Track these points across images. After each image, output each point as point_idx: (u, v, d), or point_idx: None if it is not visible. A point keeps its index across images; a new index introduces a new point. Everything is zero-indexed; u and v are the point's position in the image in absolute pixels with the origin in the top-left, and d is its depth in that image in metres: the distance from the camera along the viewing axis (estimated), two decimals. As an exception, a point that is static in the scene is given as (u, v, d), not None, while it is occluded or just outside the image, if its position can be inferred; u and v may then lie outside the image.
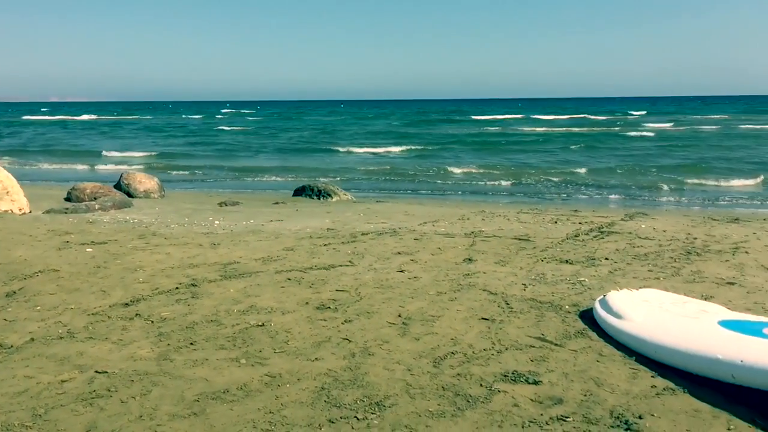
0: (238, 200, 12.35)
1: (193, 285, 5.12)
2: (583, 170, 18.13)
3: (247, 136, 36.88)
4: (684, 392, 3.09)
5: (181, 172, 19.81)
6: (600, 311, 4.09)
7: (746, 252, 6.14)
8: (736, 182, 15.39)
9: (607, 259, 5.92)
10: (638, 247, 6.45)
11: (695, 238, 6.89)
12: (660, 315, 3.85)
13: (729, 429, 2.74)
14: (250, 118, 64.59)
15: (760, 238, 6.91)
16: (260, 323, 4.19)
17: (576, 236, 7.09)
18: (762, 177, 15.87)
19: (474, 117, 57.93)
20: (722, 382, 3.07)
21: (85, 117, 69.30)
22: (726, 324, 3.54)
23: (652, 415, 2.87)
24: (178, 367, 3.49)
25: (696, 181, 15.84)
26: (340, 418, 2.89)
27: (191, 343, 3.84)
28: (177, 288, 5.05)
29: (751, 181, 15.39)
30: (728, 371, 3.02)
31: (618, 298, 4.15)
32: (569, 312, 4.37)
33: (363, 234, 7.40)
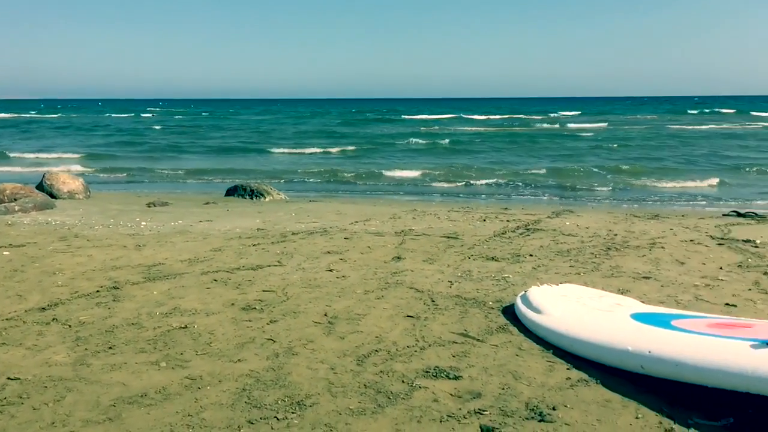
0: (168, 201, 12.09)
1: (114, 288, 5.00)
2: (516, 169, 18.52)
3: (178, 136, 36.09)
4: (597, 383, 3.21)
5: (108, 174, 19.23)
6: (521, 307, 4.21)
7: (662, 247, 6.41)
8: (661, 181, 16.01)
9: (531, 255, 6.08)
10: (561, 243, 6.65)
11: (615, 235, 7.15)
12: (577, 309, 3.98)
13: (637, 417, 2.86)
14: (182, 117, 63.25)
15: (676, 234, 7.22)
16: (183, 325, 4.13)
17: (503, 234, 7.25)
18: (685, 175, 16.55)
19: (408, 116, 58.30)
20: (633, 373, 3.21)
21: (2, 115, 66.27)
22: (637, 317, 3.69)
23: (566, 406, 2.97)
24: (95, 372, 3.40)
25: (623, 179, 16.39)
26: (260, 418, 2.88)
27: (110, 348, 3.75)
28: (98, 291, 4.92)
29: (675, 181, 16.00)
30: (637, 362, 3.15)
31: (538, 293, 4.27)
32: (492, 308, 4.47)
33: (293, 234, 7.38)
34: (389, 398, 3.07)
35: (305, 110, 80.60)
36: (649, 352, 3.12)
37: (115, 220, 8.81)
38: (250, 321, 4.23)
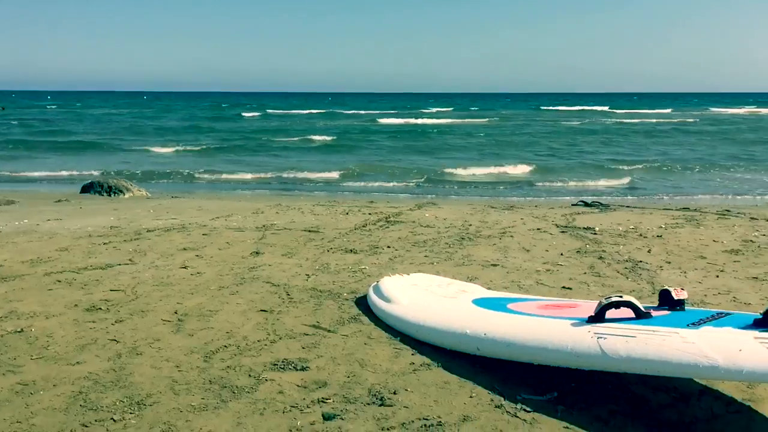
0: (15, 199, 11.29)
1: (-59, 293, 4.64)
2: (389, 163, 18.84)
3: (31, 128, 33.77)
4: (438, 367, 3.36)
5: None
6: (372, 297, 4.32)
7: (511, 236, 6.78)
8: (515, 169, 16.92)
9: (389, 247, 6.24)
10: (419, 234, 6.88)
11: (470, 225, 7.48)
12: (424, 297, 4.14)
13: (471, 396, 3.02)
14: (36, 110, 59.18)
15: (525, 223, 7.66)
16: (18, 329, 3.90)
17: (364, 226, 7.39)
18: (550, 166, 17.62)
19: (279, 111, 57.82)
20: (471, 355, 3.39)
21: None
22: (478, 302, 3.89)
23: (406, 389, 3.09)
24: None
25: (485, 170, 17.15)
26: (95, 421, 2.79)
27: (-69, 357, 3.49)
28: None
29: (544, 172, 16.93)
30: (474, 344, 3.33)
31: (389, 283, 4.39)
32: (347, 299, 4.55)
33: (149, 231, 7.13)
34: (234, 393, 3.07)
35: (175, 103, 77.61)
36: (485, 334, 3.30)
37: (-51, 221, 8.13)
38: (94, 322, 4.07)
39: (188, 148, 24.38)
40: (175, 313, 4.25)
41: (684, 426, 2.73)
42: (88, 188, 13.02)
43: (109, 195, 12.53)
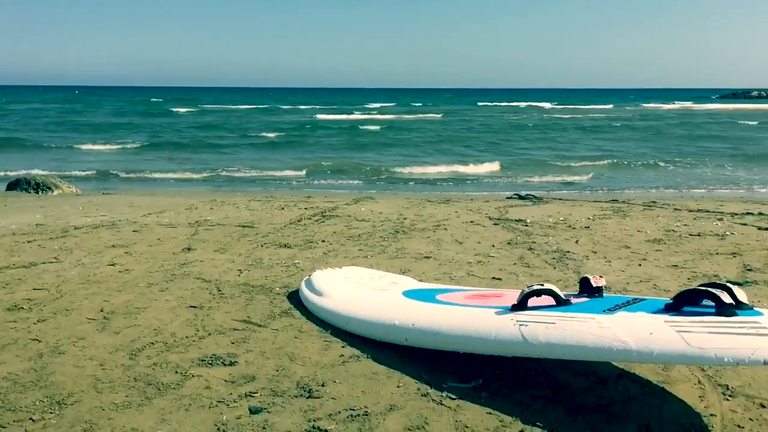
0: (-68, 197, 10.82)
1: None
2: (324, 162, 18.77)
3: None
4: (367, 358, 3.39)
5: None
6: (304, 290, 4.32)
7: (445, 229, 6.88)
8: (455, 164, 17.13)
9: (323, 241, 6.25)
10: (354, 228, 6.90)
11: (405, 219, 7.55)
12: (355, 290, 4.17)
13: (398, 386, 3.07)
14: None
15: (459, 216, 7.78)
16: (-67, 332, 3.76)
17: (299, 221, 7.37)
18: (488, 161, 17.88)
19: (214, 106, 56.92)
20: (401, 346, 3.43)
21: None
22: (408, 293, 3.94)
23: (335, 381, 3.12)
24: None
25: (424, 167, 17.29)
26: (13, 422, 2.71)
27: None
28: None
29: (482, 166, 17.17)
30: (402, 335, 3.38)
31: (321, 276, 4.40)
32: (279, 294, 4.54)
33: (76, 228, 6.94)
34: (159, 389, 3.03)
35: (108, 100, 75.31)
36: (413, 324, 3.35)
37: None
38: (15, 322, 3.94)
39: (119, 144, 23.74)
40: (101, 311, 4.16)
41: (601, 408, 2.83)
42: (14, 185, 12.55)
43: (37, 192, 12.11)
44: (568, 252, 5.76)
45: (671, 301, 2.78)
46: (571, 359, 2.85)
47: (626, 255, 5.67)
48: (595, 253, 5.75)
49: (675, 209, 8.40)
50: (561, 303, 3.08)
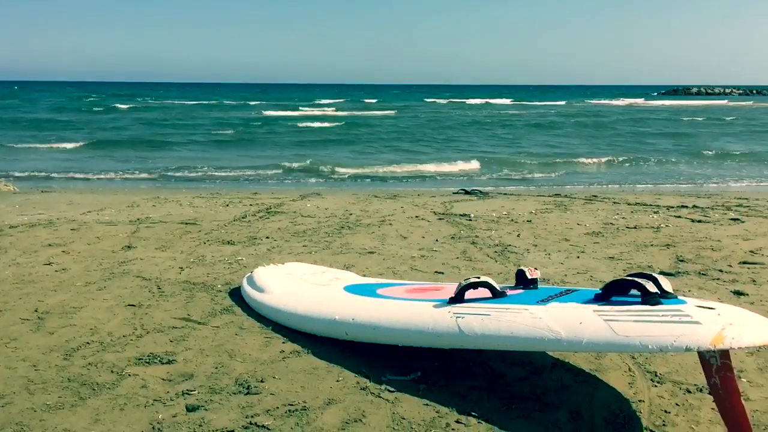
0: None
1: None
2: (273, 159, 18.60)
3: None
4: (308, 353, 3.40)
5: None
6: (246, 287, 4.29)
7: (390, 224, 6.91)
8: (404, 165, 17.21)
9: (268, 237, 6.21)
10: (299, 224, 6.88)
11: (351, 214, 7.56)
12: (297, 286, 4.16)
13: (338, 380, 3.08)
14: None
15: (405, 211, 7.83)
16: None
17: (243, 218, 7.31)
18: (437, 158, 18.02)
19: (157, 102, 55.87)
20: (340, 341, 3.45)
21: None
22: (349, 288, 3.96)
23: (274, 377, 3.11)
24: None
25: (372, 164, 17.32)
26: (-61, 427, 2.63)
27: None
28: None
29: (431, 164, 17.28)
30: (343, 329, 3.40)
31: (263, 273, 4.38)
32: (221, 291, 4.50)
33: (11, 227, 6.73)
34: (94, 390, 2.98)
35: (43, 95, 72.91)
36: (353, 319, 3.38)
37: None
38: (-58, 325, 3.82)
39: (60, 142, 23.06)
40: (36, 311, 4.06)
41: (535, 397, 2.91)
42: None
43: (-29, 190, 11.70)
44: (510, 245, 5.86)
45: (600, 291, 2.87)
46: (506, 350, 2.92)
47: (566, 248, 5.81)
48: (536, 246, 5.87)
49: (614, 203, 8.63)
50: (497, 295, 3.14)
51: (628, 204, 8.48)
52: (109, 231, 6.51)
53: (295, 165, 16.53)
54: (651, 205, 8.37)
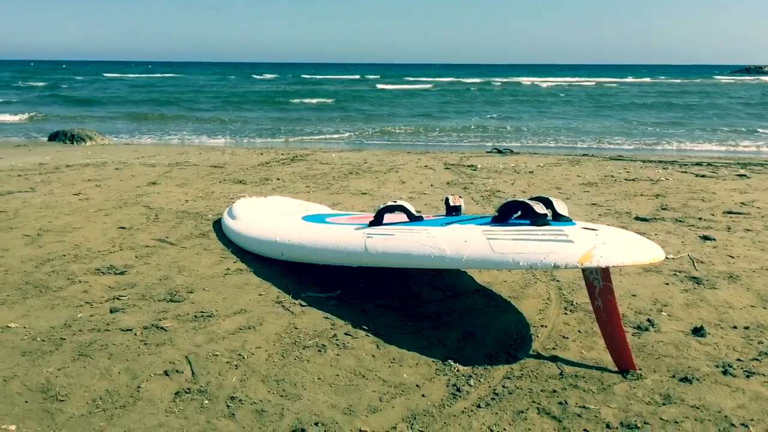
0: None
1: None
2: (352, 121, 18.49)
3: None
4: (250, 271, 3.27)
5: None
6: (224, 215, 4.20)
7: (397, 171, 6.67)
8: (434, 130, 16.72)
9: (278, 179, 6.11)
10: (314, 170, 6.75)
11: (365, 162, 7.36)
12: (266, 214, 4.03)
13: (260, 295, 2.94)
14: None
15: (419, 162, 7.53)
16: None
17: (267, 164, 7.23)
18: (487, 122, 17.40)
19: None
20: (284, 262, 3.30)
21: None
22: (306, 218, 3.79)
23: (204, 289, 3.00)
24: None
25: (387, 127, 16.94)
26: None
27: None
28: None
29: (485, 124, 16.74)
30: (279, 250, 3.25)
31: (241, 203, 4.28)
32: (208, 220, 4.43)
33: (68, 166, 6.92)
34: (41, 292, 2.95)
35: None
36: (288, 241, 3.21)
37: None
38: (-44, 237, 3.92)
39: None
40: (40, 229, 4.10)
41: (437, 317, 2.68)
42: (53, 137, 12.65)
43: (72, 142, 12.16)
44: (499, 191, 5.53)
45: (497, 215, 2.59)
46: (401, 267, 2.69)
47: (553, 195, 5.41)
48: (524, 192, 5.51)
49: (631, 161, 8.03)
50: (412, 219, 2.90)
51: (644, 162, 7.87)
52: (145, 171, 6.58)
53: (370, 130, 16.02)
54: (667, 161, 7.73)
